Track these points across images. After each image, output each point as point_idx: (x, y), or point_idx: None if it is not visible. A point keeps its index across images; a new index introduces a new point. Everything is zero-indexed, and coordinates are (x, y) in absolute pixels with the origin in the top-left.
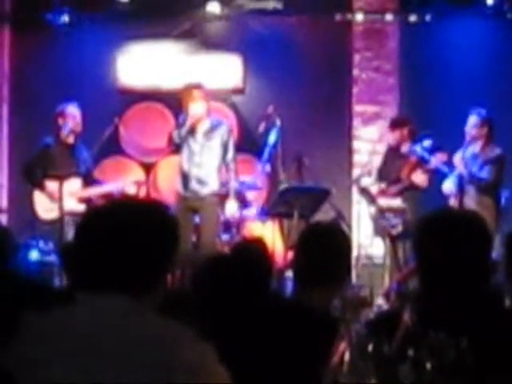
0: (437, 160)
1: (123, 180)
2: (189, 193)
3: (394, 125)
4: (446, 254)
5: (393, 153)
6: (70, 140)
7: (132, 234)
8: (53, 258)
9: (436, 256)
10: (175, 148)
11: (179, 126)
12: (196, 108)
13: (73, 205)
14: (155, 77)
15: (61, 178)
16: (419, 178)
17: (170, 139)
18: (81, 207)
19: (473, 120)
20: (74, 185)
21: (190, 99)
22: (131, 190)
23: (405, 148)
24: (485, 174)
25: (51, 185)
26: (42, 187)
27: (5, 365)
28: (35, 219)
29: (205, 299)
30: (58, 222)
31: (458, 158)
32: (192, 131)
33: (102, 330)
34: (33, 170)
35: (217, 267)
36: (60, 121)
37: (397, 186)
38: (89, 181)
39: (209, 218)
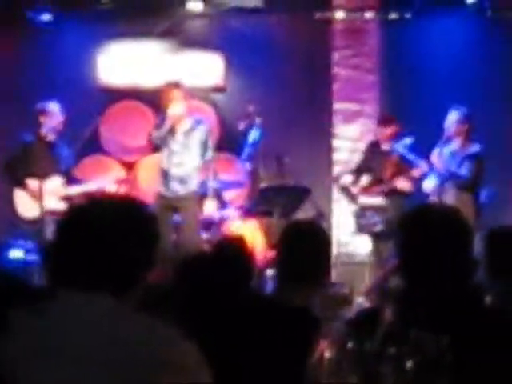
0: (418, 171)
1: (104, 178)
2: (169, 192)
3: (387, 121)
4: (426, 251)
5: (374, 149)
6: (51, 138)
7: (111, 233)
8: (34, 256)
9: (417, 253)
10: (155, 147)
11: (158, 126)
12: (175, 108)
13: (54, 203)
14: (136, 75)
15: (41, 177)
16: (403, 184)
17: (149, 139)
18: (62, 205)
19: (454, 116)
20: (54, 183)
21: (169, 99)
22: (112, 188)
23: (386, 146)
24: (464, 171)
25: (33, 183)
26: (24, 186)
27: None
28: (15, 217)
29: (185, 297)
30: (39, 220)
31: (435, 156)
32: (171, 131)
33: (83, 328)
34: (14, 169)
35: (197, 265)
36: (41, 118)
37: (380, 187)
38: (70, 179)
39: (189, 217)
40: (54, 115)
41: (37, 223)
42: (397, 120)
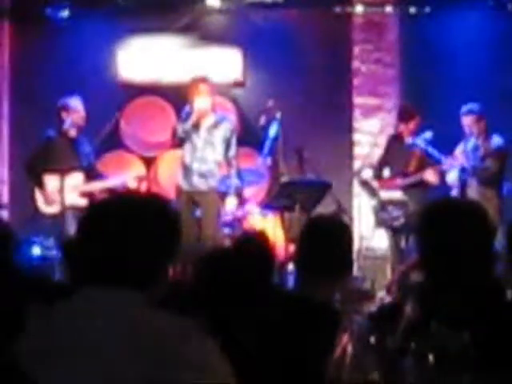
0: (447, 165)
1: (125, 174)
2: (190, 187)
3: (410, 115)
4: (447, 245)
5: (397, 143)
6: (72, 134)
7: (133, 229)
8: (54, 253)
9: (438, 247)
10: (179, 142)
11: (183, 119)
12: (201, 102)
13: (74, 199)
14: (156, 71)
15: (62, 172)
16: (430, 176)
17: (174, 133)
18: (82, 201)
19: (467, 120)
20: (76, 179)
21: (196, 93)
22: (133, 184)
23: (408, 140)
24: (487, 166)
25: (52, 182)
26: (41, 186)
27: (15, 360)
28: (36, 214)
29: (207, 293)
30: (59, 216)
31: (459, 151)
32: (196, 126)
33: (105, 324)
34: (34, 166)
35: (218, 261)
36: (63, 114)
37: (406, 179)
38: (91, 175)
39: (210, 212)
40: (76, 111)
41: (57, 218)
42: (418, 113)
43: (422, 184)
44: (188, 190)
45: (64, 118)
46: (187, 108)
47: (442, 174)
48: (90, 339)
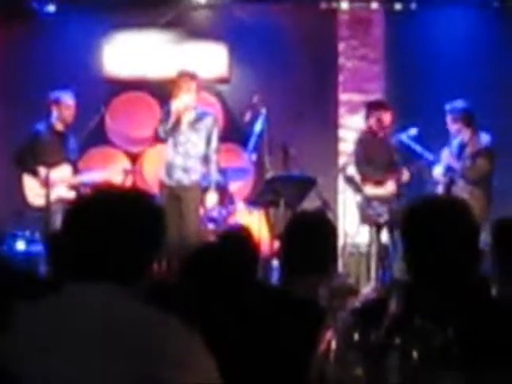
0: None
1: (111, 169)
2: (173, 182)
3: (385, 106)
4: (431, 241)
5: (371, 138)
6: (60, 128)
7: (117, 224)
8: (39, 247)
9: (422, 244)
10: (162, 140)
11: (163, 120)
12: (180, 101)
13: (63, 192)
14: (141, 66)
15: (49, 166)
16: (405, 176)
17: (156, 133)
18: (70, 194)
19: (449, 120)
20: (64, 171)
21: (185, 89)
22: (118, 178)
23: (382, 133)
24: (478, 165)
25: (43, 171)
26: (34, 173)
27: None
28: (24, 207)
29: (190, 288)
30: (46, 209)
31: (446, 154)
32: (177, 124)
33: (89, 318)
34: (24, 157)
35: (203, 256)
36: (54, 108)
37: (393, 174)
38: (76, 170)
39: (191, 206)
40: (66, 106)
41: (44, 211)
42: (390, 108)
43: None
44: (170, 185)
45: (53, 111)
46: (167, 107)
47: (429, 169)
48: (74, 335)
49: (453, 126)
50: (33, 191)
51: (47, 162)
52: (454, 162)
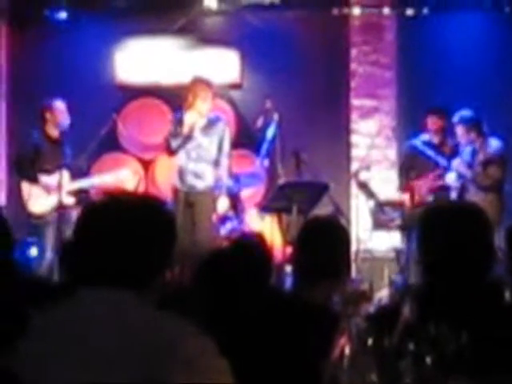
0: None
1: (114, 173)
2: (185, 187)
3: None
4: (446, 246)
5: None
6: (56, 134)
7: (129, 230)
8: (50, 254)
9: (438, 249)
10: (173, 152)
11: (174, 134)
12: (203, 108)
13: (62, 198)
14: (153, 73)
15: (48, 172)
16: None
17: (168, 145)
18: (70, 200)
19: (459, 130)
20: (62, 178)
21: (201, 97)
22: (128, 183)
23: (437, 139)
24: (490, 173)
25: (44, 178)
26: (35, 181)
27: (10, 366)
28: (25, 214)
29: (204, 294)
30: (45, 215)
31: (457, 163)
32: (189, 135)
33: (103, 324)
34: (23, 164)
35: (216, 262)
36: (47, 115)
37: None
38: (79, 175)
39: (203, 212)
40: (59, 112)
41: (45, 218)
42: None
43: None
44: (183, 191)
45: (47, 118)
46: (176, 116)
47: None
48: (88, 340)
49: (466, 137)
50: (32, 199)
51: (46, 169)
52: (465, 171)
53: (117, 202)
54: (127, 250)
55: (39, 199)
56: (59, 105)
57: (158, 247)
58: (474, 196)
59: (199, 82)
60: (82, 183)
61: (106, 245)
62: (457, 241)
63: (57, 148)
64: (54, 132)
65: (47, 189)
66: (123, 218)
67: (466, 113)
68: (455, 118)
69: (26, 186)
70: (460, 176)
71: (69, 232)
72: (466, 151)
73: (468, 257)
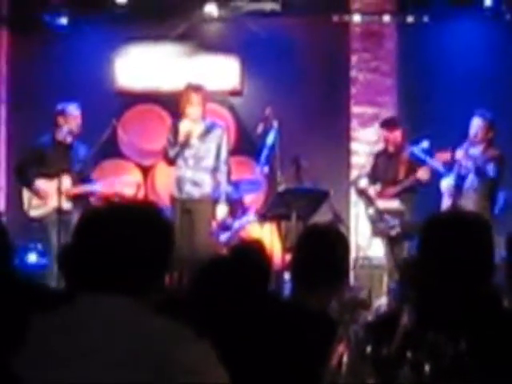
0: (436, 160)
1: (115, 180)
2: (183, 195)
3: (393, 124)
4: (444, 255)
5: (384, 154)
6: (68, 140)
7: (128, 237)
8: (48, 259)
9: (435, 257)
10: (171, 161)
11: (172, 143)
12: (192, 111)
13: (61, 203)
14: (153, 79)
15: (50, 177)
16: (424, 174)
17: (166, 154)
18: (68, 205)
19: (478, 122)
20: (64, 183)
21: (188, 103)
22: (127, 189)
23: (394, 149)
24: (490, 169)
25: (42, 184)
26: (32, 187)
27: (15, 371)
28: (24, 217)
29: (203, 301)
30: (45, 219)
31: (460, 154)
32: (185, 143)
33: (105, 329)
34: (25, 170)
35: (215, 269)
36: (60, 120)
37: (397, 187)
38: (80, 180)
39: (202, 219)
40: (73, 117)
41: (42, 222)
42: (400, 123)
43: (409, 190)
44: (181, 199)
45: (61, 123)
46: (174, 125)
47: (434, 174)
48: (87, 345)
49: (477, 135)
50: (29, 203)
51: (48, 174)
52: (468, 163)
53: (116, 210)
54: (126, 256)
55: (39, 204)
56: (73, 109)
57: (155, 254)
58: (469, 201)
59: (188, 88)
60: (86, 188)
61: (105, 251)
62: (453, 249)
63: (65, 152)
64: (66, 137)
65: (45, 193)
66: (122, 226)
67: (487, 112)
68: (477, 112)
69: (26, 192)
70: (457, 177)
71: (68, 237)
72: (475, 152)
73: (464, 266)
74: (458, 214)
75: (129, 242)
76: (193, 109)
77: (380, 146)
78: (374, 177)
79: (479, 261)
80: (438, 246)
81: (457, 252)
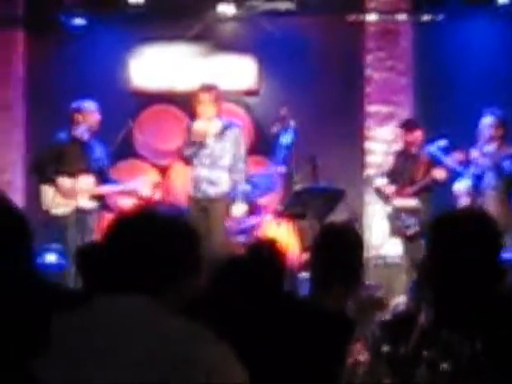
0: (453, 159)
1: (138, 180)
2: (199, 194)
3: (413, 125)
4: (457, 254)
5: (402, 156)
6: (85, 137)
7: (156, 242)
8: (66, 260)
9: (450, 256)
10: (188, 161)
11: (188, 143)
12: (204, 110)
13: (83, 202)
14: (169, 79)
15: (73, 175)
16: (438, 173)
17: (182, 154)
18: (92, 204)
19: (488, 121)
20: (86, 181)
21: (199, 102)
22: (146, 191)
23: (415, 149)
24: (507, 166)
25: (64, 181)
26: (54, 183)
27: (33, 372)
28: (44, 217)
29: (219, 300)
30: (66, 218)
31: (476, 153)
32: (201, 143)
33: (123, 329)
34: (44, 167)
35: (231, 269)
36: (78, 117)
37: (414, 186)
38: (101, 179)
39: (218, 218)
40: (89, 114)
41: (62, 220)
42: (420, 124)
43: (434, 184)
44: (197, 198)
45: (78, 120)
46: (190, 126)
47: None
48: (105, 346)
49: (487, 133)
50: (49, 200)
51: (69, 172)
52: (484, 160)
53: (148, 214)
54: (144, 257)
55: (62, 202)
56: (89, 106)
57: (173, 256)
58: (486, 199)
59: (200, 88)
60: (112, 188)
61: (132, 254)
62: (465, 248)
63: (82, 150)
64: (83, 134)
65: (68, 192)
66: (150, 231)
67: (497, 109)
68: (487, 111)
69: (47, 190)
70: (474, 177)
71: (87, 237)
72: (489, 149)
73: (477, 265)
74: (465, 213)
75: (155, 247)
76: (204, 108)
77: (397, 146)
78: (392, 176)
79: (490, 259)
80: (448, 246)
81: (467, 251)
